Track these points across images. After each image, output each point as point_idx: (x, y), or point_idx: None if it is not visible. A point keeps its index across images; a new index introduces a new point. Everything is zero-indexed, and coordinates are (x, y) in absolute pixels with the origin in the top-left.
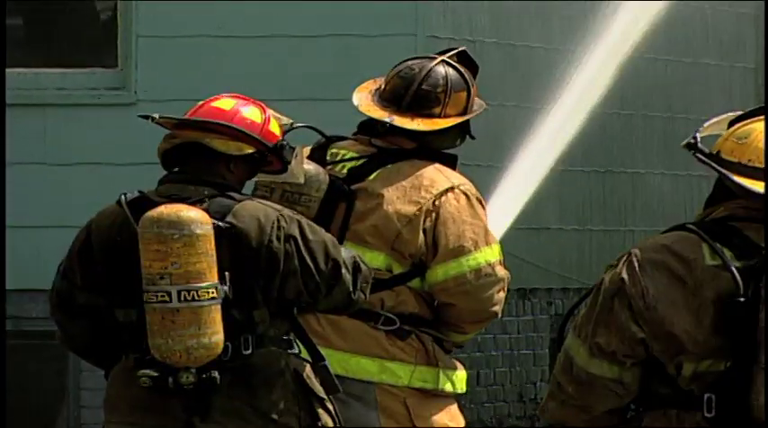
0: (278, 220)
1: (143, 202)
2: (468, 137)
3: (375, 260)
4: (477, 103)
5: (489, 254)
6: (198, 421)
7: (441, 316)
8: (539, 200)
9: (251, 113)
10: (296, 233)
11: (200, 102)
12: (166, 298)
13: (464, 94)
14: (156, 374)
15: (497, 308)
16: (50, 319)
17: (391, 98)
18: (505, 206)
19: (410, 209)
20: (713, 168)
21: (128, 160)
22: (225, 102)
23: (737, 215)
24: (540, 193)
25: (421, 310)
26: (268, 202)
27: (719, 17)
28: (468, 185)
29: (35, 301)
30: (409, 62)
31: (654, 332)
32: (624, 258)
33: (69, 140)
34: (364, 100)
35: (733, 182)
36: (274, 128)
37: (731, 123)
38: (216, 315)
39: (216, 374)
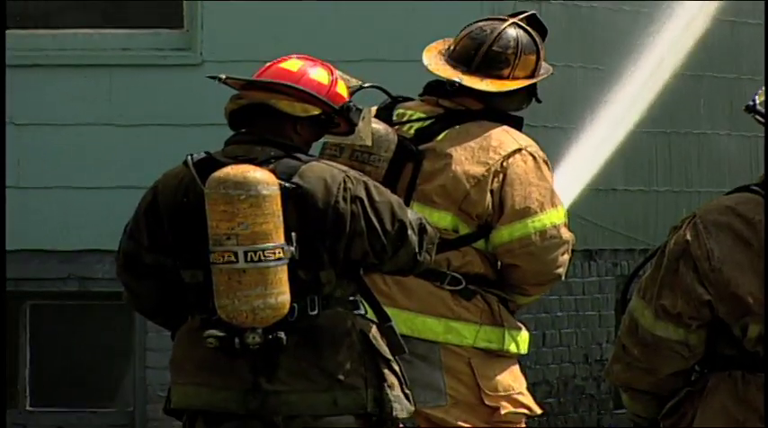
0: (344, 181)
1: (210, 163)
2: (534, 100)
3: (443, 220)
4: (545, 67)
5: (555, 217)
6: (264, 381)
7: (505, 277)
8: (604, 162)
9: (318, 75)
10: (362, 194)
11: (268, 64)
12: (233, 259)
13: (533, 57)
14: (222, 335)
15: (561, 271)
16: (117, 280)
17: (461, 58)
18: (572, 168)
19: (479, 169)
20: None
21: (194, 121)
22: (292, 64)
23: None
24: (605, 155)
25: (486, 271)
26: (334, 163)
27: None
28: (535, 147)
29: (102, 262)
30: (480, 23)
31: (719, 293)
32: (689, 220)
33: (135, 101)
34: (434, 60)
35: None
36: (342, 89)
37: None
38: (282, 275)
39: (282, 335)
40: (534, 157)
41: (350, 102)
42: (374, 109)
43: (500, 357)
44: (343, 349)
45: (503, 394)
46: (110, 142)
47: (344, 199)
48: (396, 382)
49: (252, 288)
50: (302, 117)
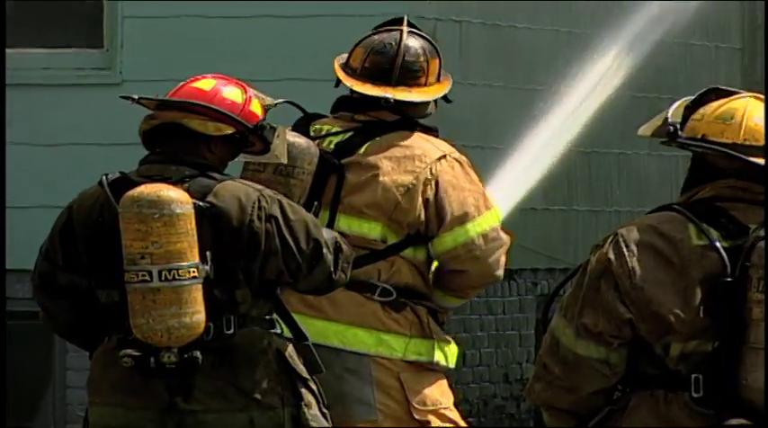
0: (259, 200)
1: (124, 183)
2: (444, 100)
3: (373, 231)
4: (443, 70)
5: (492, 218)
6: (180, 401)
7: (444, 283)
8: (524, 181)
9: (231, 93)
10: (277, 213)
11: (181, 83)
12: (147, 278)
13: (437, 61)
14: (137, 354)
15: (501, 271)
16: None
17: (377, 75)
18: (492, 187)
19: (407, 178)
20: (712, 152)
21: (113, 140)
22: (205, 83)
23: (723, 195)
24: (525, 174)
25: (414, 281)
26: (249, 182)
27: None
28: (456, 153)
29: (21, 282)
30: (375, 37)
31: (641, 312)
32: (610, 238)
33: (55, 121)
34: (351, 81)
35: (748, 161)
36: (256, 108)
37: (688, 108)
38: (197, 294)
39: (198, 354)
40: (460, 162)
41: (264, 120)
42: (288, 128)
43: (429, 371)
44: (260, 368)
45: (431, 408)
46: (28, 161)
47: (259, 217)
48: (313, 401)
49: (166, 307)
50: (216, 136)
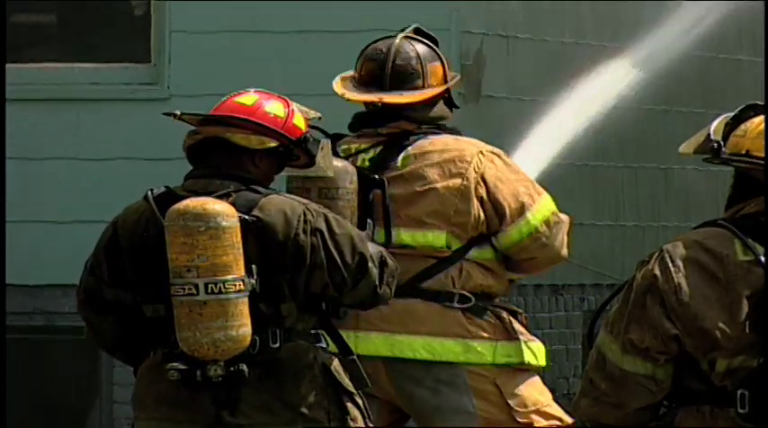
0: (304, 214)
1: (169, 197)
2: (449, 106)
3: (438, 240)
4: (453, 74)
5: (548, 203)
6: (227, 414)
7: (512, 267)
8: (572, 196)
9: (273, 108)
10: (322, 226)
11: (224, 99)
12: (193, 291)
13: (439, 65)
14: (184, 367)
15: (566, 251)
16: None
17: (371, 81)
18: None
19: (456, 181)
20: (758, 167)
21: (161, 155)
22: (247, 98)
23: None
24: (573, 189)
25: (487, 281)
26: (294, 196)
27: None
28: (489, 146)
29: (68, 296)
30: (373, 45)
31: (687, 328)
32: (656, 255)
33: (102, 135)
34: (345, 90)
35: None
36: (299, 122)
37: (728, 124)
38: (243, 308)
39: (244, 367)
40: (497, 155)
41: (307, 133)
42: (329, 141)
43: (522, 372)
44: (306, 382)
45: (532, 409)
46: (77, 176)
47: (305, 231)
48: (359, 415)
49: (213, 320)
50: (259, 150)
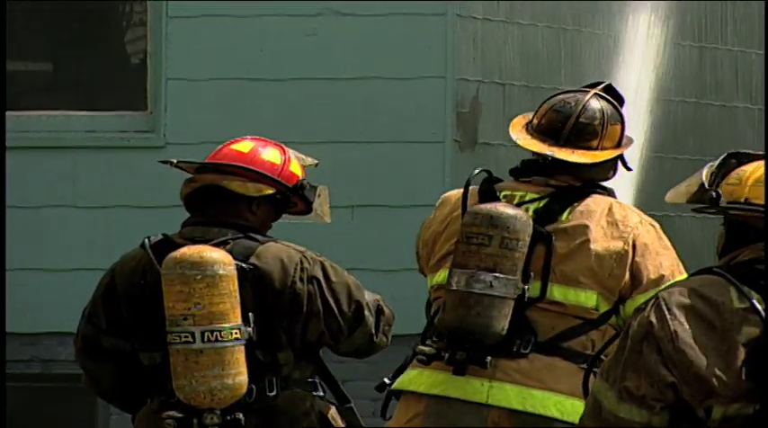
0: (301, 262)
1: (166, 245)
2: (625, 168)
3: (589, 300)
4: (627, 137)
5: None
6: None
7: None
8: None
9: (270, 155)
10: (319, 274)
11: (220, 146)
12: (190, 339)
13: (619, 127)
14: (180, 416)
15: None
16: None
17: (548, 132)
18: None
19: (618, 244)
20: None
21: (157, 203)
22: (244, 145)
23: (763, 258)
24: None
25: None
26: (292, 244)
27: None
28: (648, 217)
29: (64, 344)
30: (562, 96)
31: (683, 375)
32: (652, 302)
33: (98, 183)
34: (521, 135)
35: None
36: (295, 168)
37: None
38: (240, 356)
39: (240, 416)
40: (654, 226)
41: (304, 180)
42: (326, 187)
43: None
44: None
45: None
46: (73, 224)
47: (301, 279)
48: None
49: (209, 368)
50: (256, 197)
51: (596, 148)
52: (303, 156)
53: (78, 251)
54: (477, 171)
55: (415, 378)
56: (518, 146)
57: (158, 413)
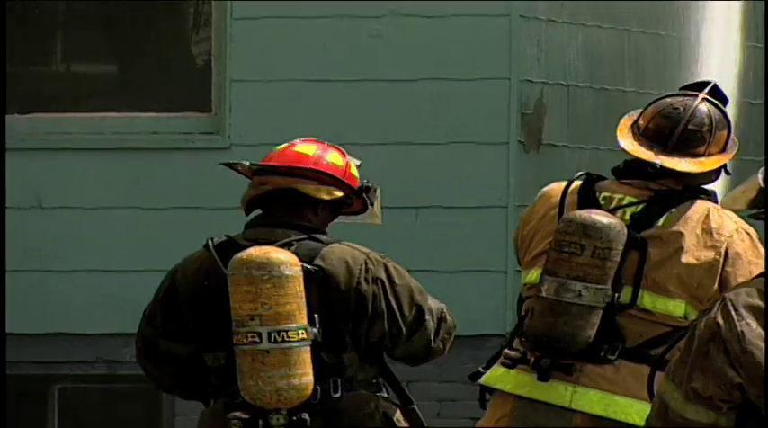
0: (365, 263)
1: (230, 246)
2: (724, 172)
3: (677, 309)
4: (733, 140)
5: None
6: None
7: None
8: None
9: (334, 158)
10: (383, 276)
11: (279, 148)
12: (257, 339)
13: (725, 133)
14: (246, 416)
15: None
16: None
17: (655, 138)
18: None
19: (710, 254)
20: None
21: (222, 204)
22: (306, 148)
23: None
24: None
25: None
26: (355, 245)
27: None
28: (745, 224)
29: (129, 345)
30: (668, 100)
31: (750, 376)
32: (719, 303)
33: (163, 185)
34: (628, 140)
35: None
36: (354, 170)
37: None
38: (306, 356)
39: (306, 416)
40: (749, 234)
41: (367, 182)
42: (379, 187)
43: None
44: None
45: None
46: (138, 226)
47: (366, 280)
48: None
49: (276, 369)
50: (326, 200)
51: (703, 155)
52: (349, 157)
53: (143, 252)
54: (578, 174)
55: (502, 377)
56: (626, 152)
57: (223, 413)
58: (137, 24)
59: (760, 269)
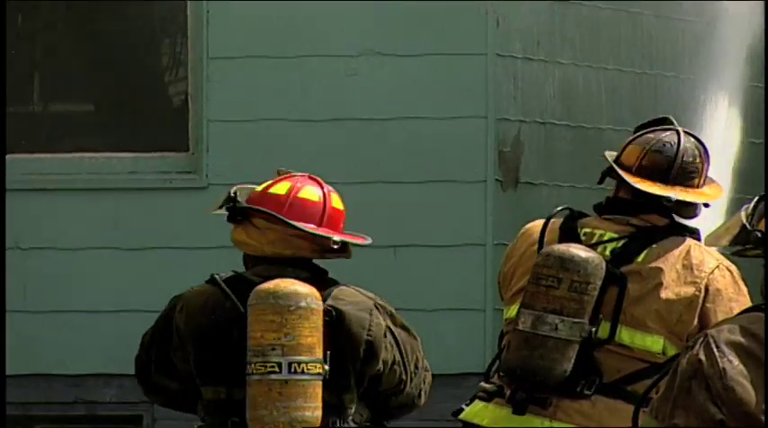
0: (376, 308)
1: (239, 282)
2: (703, 205)
3: (655, 344)
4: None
5: None
6: None
7: None
8: None
9: (337, 203)
10: (390, 324)
11: (285, 190)
12: (276, 369)
13: (707, 164)
14: None
15: None
16: (124, 404)
17: (653, 174)
18: None
19: (689, 290)
20: None
21: (199, 244)
22: (310, 193)
23: None
24: None
25: None
26: (360, 289)
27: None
28: (727, 261)
29: (109, 386)
30: (650, 136)
31: (732, 413)
32: (701, 340)
33: (141, 225)
34: (631, 178)
35: None
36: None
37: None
38: (319, 391)
39: None
40: (731, 272)
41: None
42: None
43: None
44: None
45: None
46: (115, 266)
47: (377, 325)
48: None
49: (292, 400)
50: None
51: (698, 186)
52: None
53: (121, 293)
54: (559, 208)
55: (480, 412)
56: (639, 190)
57: None
58: (114, 64)
59: (740, 306)
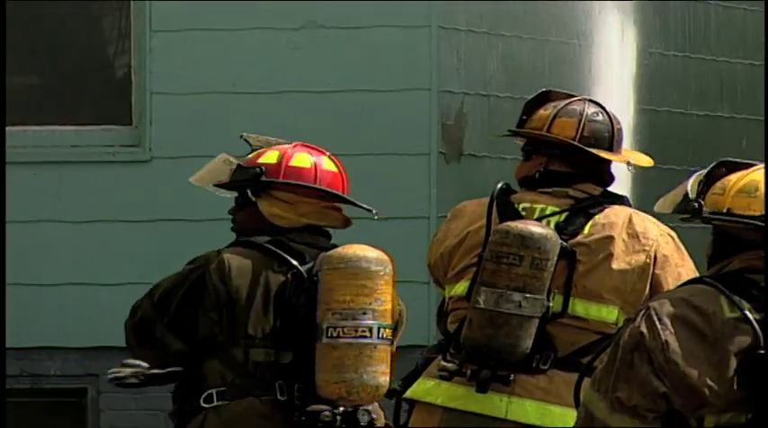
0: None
1: (282, 247)
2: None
3: (610, 314)
4: None
5: None
6: None
7: None
8: None
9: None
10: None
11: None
12: (367, 334)
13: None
14: (339, 411)
15: None
16: (68, 377)
17: (598, 142)
18: None
19: (640, 258)
20: (743, 226)
21: (143, 217)
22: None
23: (754, 267)
24: None
25: None
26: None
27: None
28: (666, 227)
29: (53, 359)
30: (574, 106)
31: (675, 385)
32: (643, 312)
33: (84, 198)
34: (595, 150)
35: None
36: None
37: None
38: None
39: (375, 416)
40: (672, 237)
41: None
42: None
43: None
44: None
45: None
46: (59, 239)
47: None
48: None
49: (379, 364)
50: None
51: (618, 151)
52: None
53: (65, 266)
54: (499, 185)
55: (432, 390)
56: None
57: (271, 412)
58: (56, 37)
59: (687, 271)
